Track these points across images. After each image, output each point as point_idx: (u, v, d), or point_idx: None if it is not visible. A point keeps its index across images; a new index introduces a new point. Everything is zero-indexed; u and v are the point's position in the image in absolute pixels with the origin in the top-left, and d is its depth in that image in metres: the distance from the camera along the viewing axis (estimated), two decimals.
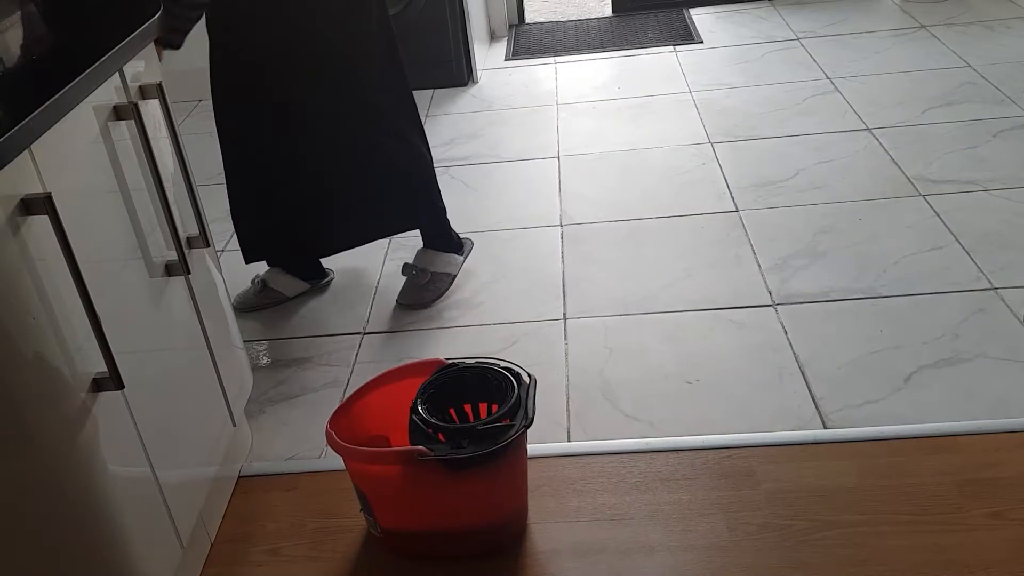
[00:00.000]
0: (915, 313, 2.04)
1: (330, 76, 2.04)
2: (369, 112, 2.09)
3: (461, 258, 2.36)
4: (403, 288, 2.30)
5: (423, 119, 3.34)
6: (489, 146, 3.11)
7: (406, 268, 2.30)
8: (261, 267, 2.38)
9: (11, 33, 1.22)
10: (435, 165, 2.97)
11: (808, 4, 4.16)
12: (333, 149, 2.11)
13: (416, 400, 1.49)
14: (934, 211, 2.42)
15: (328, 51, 2.02)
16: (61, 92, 1.13)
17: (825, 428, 1.75)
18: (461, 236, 2.41)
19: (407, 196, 2.23)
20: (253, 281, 2.37)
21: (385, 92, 2.11)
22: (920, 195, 2.50)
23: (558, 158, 2.97)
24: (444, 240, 2.33)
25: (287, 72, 2.02)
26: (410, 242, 2.53)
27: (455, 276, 2.33)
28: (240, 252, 2.28)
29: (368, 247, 2.53)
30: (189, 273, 1.47)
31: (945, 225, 2.35)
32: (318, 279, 2.40)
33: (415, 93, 3.40)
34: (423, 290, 2.27)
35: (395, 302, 2.28)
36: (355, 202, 2.19)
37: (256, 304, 2.35)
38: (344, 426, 1.51)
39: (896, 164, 2.68)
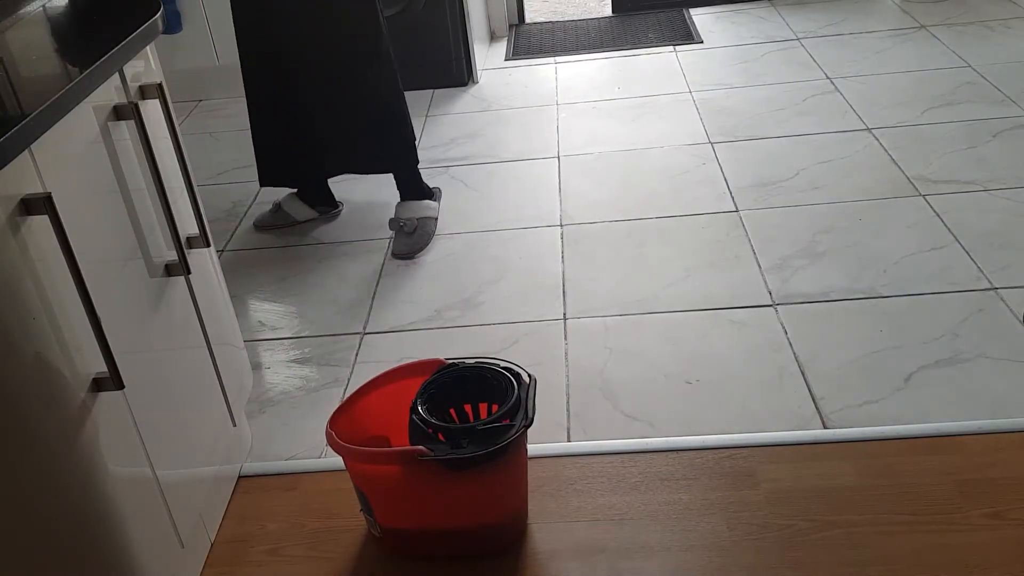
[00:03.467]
0: (915, 313, 2.04)
1: (332, 35, 2.37)
2: (361, 65, 2.40)
3: (436, 204, 2.60)
4: (396, 241, 2.51)
5: (423, 119, 3.35)
6: (489, 146, 3.11)
7: (393, 222, 2.53)
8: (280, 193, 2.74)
9: (12, 33, 1.22)
10: (435, 165, 3.01)
11: (808, 4, 4.16)
12: (330, 91, 2.44)
13: (416, 400, 1.49)
14: (934, 211, 2.42)
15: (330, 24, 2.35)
16: (61, 92, 1.13)
17: (825, 428, 1.75)
18: (432, 186, 2.68)
19: (386, 139, 2.52)
20: (273, 204, 2.71)
21: (374, 55, 2.40)
22: (920, 195, 2.51)
23: (558, 158, 2.97)
24: (418, 190, 2.58)
25: (299, 35, 2.38)
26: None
27: (437, 219, 2.58)
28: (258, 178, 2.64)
29: (368, 249, 2.53)
30: (189, 273, 1.47)
31: (945, 225, 2.35)
32: (327, 208, 2.72)
33: (415, 93, 3.43)
34: (415, 237, 2.48)
35: (391, 255, 2.48)
36: (344, 136, 2.49)
37: (270, 223, 2.69)
38: (344, 426, 1.51)
39: (896, 164, 2.68)
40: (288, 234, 2.66)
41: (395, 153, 2.52)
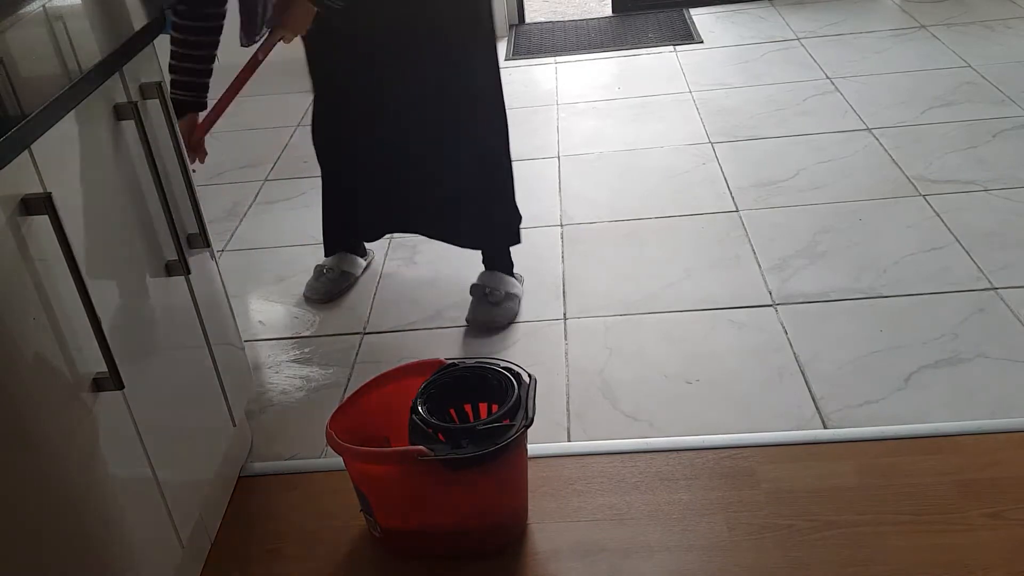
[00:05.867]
0: (915, 313, 2.04)
1: (438, 73, 2.00)
2: (471, 111, 2.05)
3: (522, 285, 2.27)
4: (476, 307, 2.18)
5: None
6: None
7: (476, 288, 2.20)
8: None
9: (12, 33, 1.22)
10: None
11: (808, 4, 4.16)
12: (430, 142, 2.08)
13: (416, 400, 1.49)
14: (934, 211, 2.42)
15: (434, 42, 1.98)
16: (61, 92, 1.13)
17: (825, 428, 1.75)
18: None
19: (492, 209, 2.17)
20: (324, 270, 2.36)
21: (485, 87, 2.05)
22: (920, 195, 2.51)
23: (558, 158, 2.97)
24: (509, 264, 2.26)
25: (395, 71, 2.00)
26: (408, 241, 2.54)
27: (521, 299, 2.24)
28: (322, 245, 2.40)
29: (368, 247, 2.53)
30: (189, 273, 1.47)
31: (945, 225, 2.35)
32: (365, 257, 2.44)
33: None
34: (500, 309, 2.17)
35: (464, 321, 2.18)
36: (439, 198, 2.16)
37: (339, 291, 2.35)
38: (344, 426, 1.51)
39: (896, 164, 2.68)
40: (287, 234, 2.66)
41: (499, 226, 2.20)
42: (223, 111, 2.05)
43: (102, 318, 1.17)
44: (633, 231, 2.50)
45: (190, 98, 1.92)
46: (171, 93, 1.88)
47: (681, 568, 1.48)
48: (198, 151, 2.02)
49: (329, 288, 2.34)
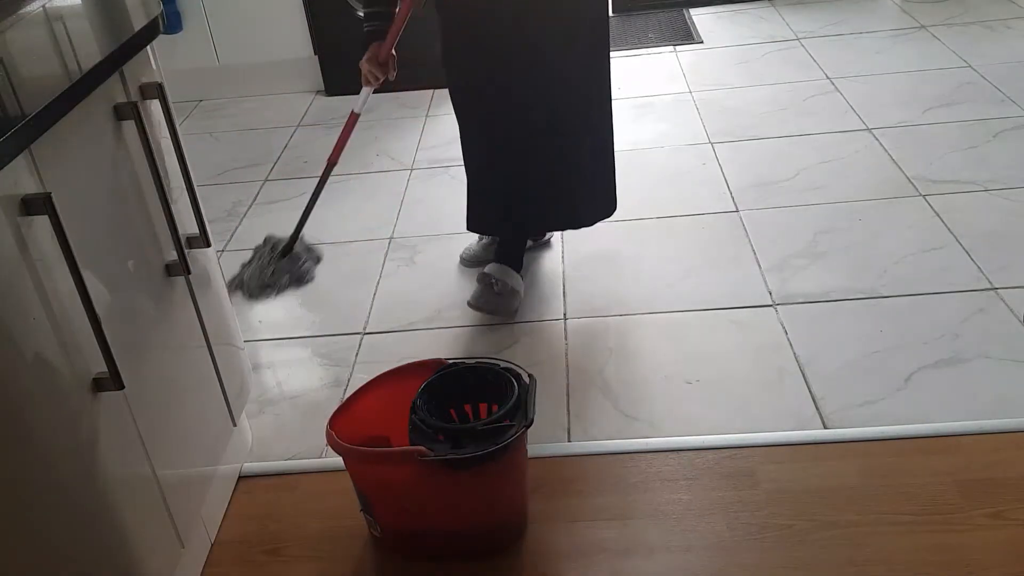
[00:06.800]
0: (915, 313, 2.04)
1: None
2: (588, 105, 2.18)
3: (522, 281, 2.28)
4: (480, 293, 2.20)
5: (423, 119, 3.35)
6: None
7: (483, 277, 2.22)
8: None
9: (12, 33, 1.22)
10: (436, 165, 3.00)
11: (808, 4, 4.16)
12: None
13: (416, 400, 1.49)
14: (934, 211, 2.42)
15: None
16: (61, 92, 1.13)
17: (825, 428, 1.75)
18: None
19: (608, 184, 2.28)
20: (480, 237, 2.44)
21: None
22: (920, 195, 2.50)
23: None
24: (518, 261, 2.27)
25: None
26: (408, 242, 2.54)
27: (521, 296, 2.25)
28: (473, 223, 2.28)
29: (367, 247, 2.53)
30: (189, 273, 1.47)
31: (945, 225, 2.35)
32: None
33: (416, 93, 3.28)
34: (501, 299, 2.19)
35: (466, 304, 2.20)
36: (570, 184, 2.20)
37: (486, 258, 2.34)
38: (344, 426, 1.51)
39: (896, 164, 2.68)
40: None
41: (609, 200, 2.27)
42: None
43: (102, 318, 1.17)
44: (633, 231, 2.50)
45: (378, 27, 2.19)
46: (366, 28, 2.19)
47: (681, 568, 1.48)
48: (389, 68, 2.25)
49: (477, 254, 2.42)
